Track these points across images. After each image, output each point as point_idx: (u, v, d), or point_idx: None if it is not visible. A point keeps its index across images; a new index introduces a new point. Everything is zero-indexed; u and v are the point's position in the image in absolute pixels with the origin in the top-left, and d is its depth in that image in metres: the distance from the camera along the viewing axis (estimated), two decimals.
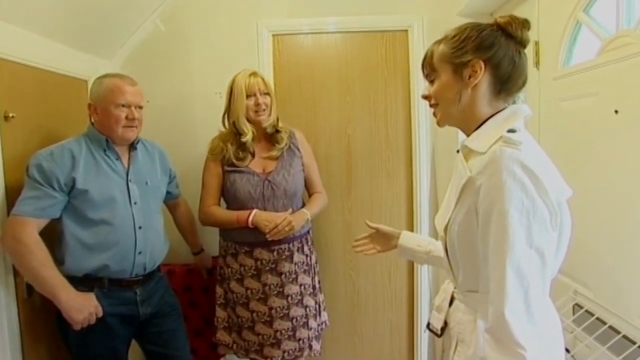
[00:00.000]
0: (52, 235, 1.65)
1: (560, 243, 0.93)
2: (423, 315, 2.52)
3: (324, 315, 2.21)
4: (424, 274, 2.52)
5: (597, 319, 1.39)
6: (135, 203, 1.73)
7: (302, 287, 2.05)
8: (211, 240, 2.27)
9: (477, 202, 0.90)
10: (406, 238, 1.40)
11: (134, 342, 1.90)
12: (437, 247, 1.32)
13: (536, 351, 0.81)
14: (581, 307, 1.48)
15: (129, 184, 1.73)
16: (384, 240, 1.46)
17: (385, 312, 2.59)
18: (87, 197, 1.61)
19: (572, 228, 0.96)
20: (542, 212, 0.84)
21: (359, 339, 2.60)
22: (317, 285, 2.15)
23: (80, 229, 1.63)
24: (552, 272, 0.92)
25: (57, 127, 1.89)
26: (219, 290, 2.11)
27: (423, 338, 2.54)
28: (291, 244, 2.00)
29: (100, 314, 1.65)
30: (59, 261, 1.62)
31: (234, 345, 2.08)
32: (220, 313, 2.10)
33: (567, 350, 1.26)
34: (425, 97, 1.09)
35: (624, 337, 1.27)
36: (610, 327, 1.33)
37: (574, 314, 1.50)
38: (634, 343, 1.23)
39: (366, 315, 2.58)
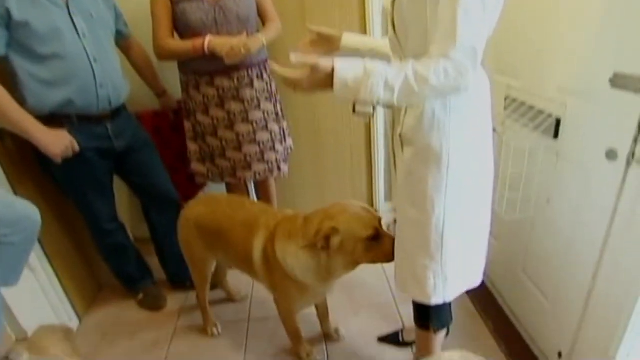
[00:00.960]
0: (8, 80, 1.63)
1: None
2: (379, 139, 2.74)
3: (289, 141, 2.38)
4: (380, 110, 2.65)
5: (521, 103, 1.58)
6: (84, 35, 1.68)
7: (266, 113, 2.15)
8: (172, 81, 2.27)
9: None
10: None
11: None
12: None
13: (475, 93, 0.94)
14: (511, 99, 1.67)
15: (72, 16, 1.65)
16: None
17: (345, 137, 2.78)
18: (30, 30, 1.54)
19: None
20: None
21: (322, 161, 2.85)
22: (279, 112, 2.26)
23: (32, 65, 1.60)
24: (488, 32, 0.99)
25: None
26: (187, 125, 2.20)
27: (380, 157, 2.80)
28: (250, 71, 2.04)
29: (77, 149, 1.73)
30: (20, 102, 1.63)
31: (209, 174, 2.26)
32: (192, 146, 2.23)
33: (494, 130, 1.45)
34: None
35: (539, 111, 1.48)
36: (530, 106, 1.52)
37: (505, 107, 1.69)
38: (545, 112, 1.44)
39: (327, 140, 2.78)
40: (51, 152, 1.65)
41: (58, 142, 1.65)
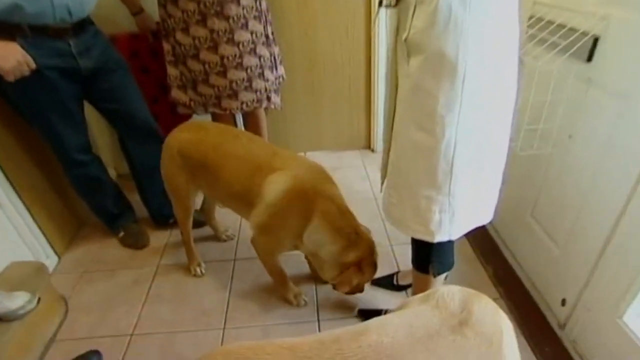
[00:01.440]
0: None
1: None
2: (380, 70, 2.48)
3: (281, 69, 2.13)
4: (382, 27, 2.37)
5: (549, 21, 1.34)
6: None
7: (254, 35, 1.89)
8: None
9: None
10: None
11: None
12: None
13: None
14: (537, 17, 1.41)
15: None
16: None
17: (344, 68, 2.53)
18: None
19: None
20: None
21: (319, 95, 2.61)
22: (270, 35, 2.00)
23: None
24: None
25: None
26: (166, 46, 1.94)
27: (381, 92, 2.56)
28: None
29: (33, 65, 1.50)
30: None
31: (192, 103, 2.03)
32: (172, 71, 1.98)
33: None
34: None
35: (571, 29, 1.24)
36: (560, 24, 1.28)
37: (528, 26, 1.44)
38: (579, 30, 1.21)
39: (323, 71, 2.52)
40: (1, 68, 1.41)
41: (8, 56, 1.41)
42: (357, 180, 2.54)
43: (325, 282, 1.81)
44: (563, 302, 1.45)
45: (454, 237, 1.14)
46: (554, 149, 1.38)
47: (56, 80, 1.60)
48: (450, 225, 1.11)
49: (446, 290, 0.81)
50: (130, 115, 1.88)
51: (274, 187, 1.39)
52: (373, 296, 1.73)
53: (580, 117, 1.27)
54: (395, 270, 1.82)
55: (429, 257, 1.26)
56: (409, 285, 1.72)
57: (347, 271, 1.42)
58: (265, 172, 1.41)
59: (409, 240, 1.30)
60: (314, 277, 1.83)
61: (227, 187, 1.48)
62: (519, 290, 1.67)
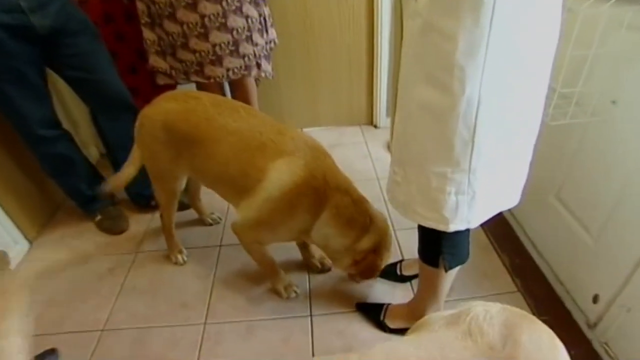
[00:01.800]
0: None
1: None
2: (384, 36, 2.22)
3: (272, 33, 1.88)
4: None
5: None
6: None
7: None
8: None
9: None
10: None
11: None
12: None
13: None
14: None
15: None
16: None
17: (343, 34, 2.26)
18: None
19: None
20: None
21: (315, 64, 2.35)
22: None
23: None
24: None
25: None
26: (140, 6, 1.69)
27: (384, 62, 2.30)
28: None
29: None
30: None
31: (172, 71, 1.80)
32: (148, 34, 1.74)
33: None
34: None
35: None
36: None
37: None
38: None
39: (320, 38, 2.26)
40: None
41: None
42: (358, 158, 2.30)
43: (320, 272, 1.61)
44: (595, 299, 1.23)
45: (473, 225, 0.92)
46: (591, 118, 1.14)
47: (5, 40, 1.37)
48: (469, 210, 0.88)
49: (482, 310, 0.59)
50: (100, 86, 1.64)
51: (280, 176, 1.16)
52: (373, 288, 1.52)
53: (629, 78, 1.03)
54: (399, 258, 1.61)
55: (439, 248, 1.04)
56: (415, 276, 1.51)
57: (366, 260, 1.27)
58: (270, 155, 1.18)
59: (415, 225, 1.08)
60: (307, 265, 1.62)
61: (221, 168, 1.25)
62: (539, 284, 1.46)
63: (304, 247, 1.59)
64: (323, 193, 1.18)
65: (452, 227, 0.91)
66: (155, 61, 1.78)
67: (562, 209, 1.36)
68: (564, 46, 1.01)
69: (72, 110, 2.21)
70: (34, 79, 1.51)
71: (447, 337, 0.56)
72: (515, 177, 0.93)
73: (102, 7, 1.92)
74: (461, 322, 0.59)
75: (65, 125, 2.09)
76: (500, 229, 1.67)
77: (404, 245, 1.68)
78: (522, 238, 1.61)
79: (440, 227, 0.92)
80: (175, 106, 1.31)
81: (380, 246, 1.27)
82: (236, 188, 1.26)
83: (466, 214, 0.89)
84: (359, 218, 1.23)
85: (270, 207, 1.19)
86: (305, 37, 2.25)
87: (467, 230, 1.01)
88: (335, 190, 1.20)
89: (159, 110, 1.33)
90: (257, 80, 2.01)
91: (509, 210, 1.68)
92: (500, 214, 1.70)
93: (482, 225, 1.60)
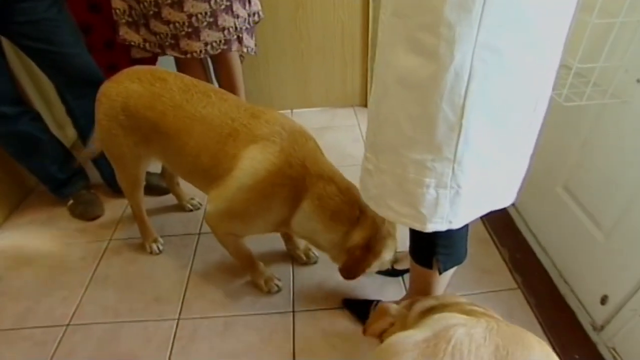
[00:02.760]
0: None
1: None
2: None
3: (256, 4, 1.70)
4: None
5: None
6: None
7: None
8: None
9: None
10: None
11: None
12: None
13: None
14: None
15: None
16: None
17: (336, 9, 2.08)
18: None
19: None
20: None
21: (307, 41, 2.17)
22: None
23: None
24: None
25: None
26: None
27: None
28: None
29: None
30: None
31: (146, 44, 1.62)
32: (117, 3, 1.55)
33: None
34: None
35: None
36: None
37: None
38: None
39: (312, 13, 2.08)
40: None
41: None
42: (349, 142, 2.15)
43: (304, 263, 1.47)
44: (603, 300, 1.10)
45: (455, 226, 0.77)
46: (610, 100, 0.98)
47: None
48: (452, 207, 0.73)
49: (464, 334, 0.46)
50: (63, 59, 1.47)
51: (252, 164, 1.03)
52: (361, 283, 1.38)
53: None
54: None
55: (433, 248, 0.90)
56: (407, 271, 1.37)
57: (353, 256, 1.11)
58: (242, 142, 1.05)
59: None
60: (291, 256, 1.49)
61: (192, 160, 1.11)
62: (541, 281, 1.32)
63: (287, 238, 1.45)
64: (302, 181, 1.04)
65: (430, 227, 0.76)
66: (126, 33, 1.60)
67: (570, 200, 1.22)
68: (584, 13, 0.85)
69: (45, 88, 2.03)
70: None
71: None
72: (511, 173, 0.78)
73: None
74: (438, 350, 0.45)
75: (38, 104, 1.94)
76: (500, 221, 1.53)
77: (399, 236, 1.54)
78: (524, 231, 1.47)
79: (416, 226, 0.77)
80: (138, 88, 1.15)
81: (373, 241, 1.11)
82: (209, 179, 1.11)
83: (447, 211, 0.74)
84: (347, 209, 1.09)
85: (243, 197, 1.05)
86: (296, 11, 2.07)
87: (466, 226, 0.87)
88: (317, 178, 1.05)
89: (120, 90, 1.17)
90: (241, 57, 1.84)
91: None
92: None
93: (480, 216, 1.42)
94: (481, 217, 1.57)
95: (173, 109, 1.11)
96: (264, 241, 1.47)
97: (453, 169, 0.69)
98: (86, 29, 1.64)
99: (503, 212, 1.55)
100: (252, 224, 1.13)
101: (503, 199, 0.81)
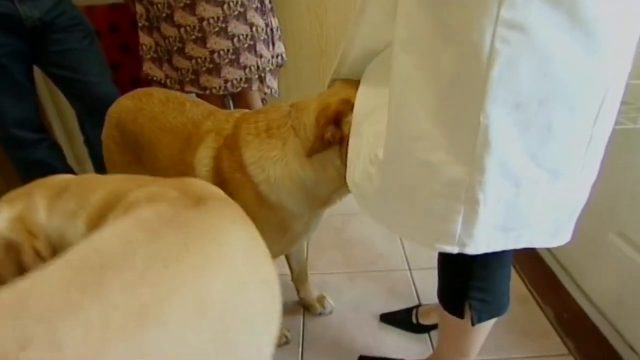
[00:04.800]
0: None
1: None
2: None
3: (280, 47, 1.69)
4: None
5: None
6: None
7: None
8: None
9: None
10: None
11: None
12: None
13: None
14: None
15: None
16: None
17: None
18: None
19: None
20: None
21: None
22: (266, 2, 1.57)
23: None
24: None
25: None
26: (139, 9, 1.53)
27: None
28: None
29: None
30: None
31: (167, 80, 1.61)
32: (144, 39, 1.57)
33: None
34: None
35: None
36: None
37: None
38: None
39: None
40: None
41: None
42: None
43: (319, 313, 1.29)
44: None
45: (469, 250, 0.60)
46: None
47: None
48: (465, 226, 0.58)
49: None
50: (86, 87, 1.46)
51: (200, 159, 0.90)
52: (382, 339, 1.19)
53: None
54: (415, 303, 1.28)
55: (465, 288, 0.73)
56: (434, 327, 1.17)
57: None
58: (194, 145, 0.92)
59: (434, 264, 0.79)
60: (303, 306, 1.31)
61: (163, 174, 1.01)
62: (598, 345, 1.09)
63: (300, 283, 1.29)
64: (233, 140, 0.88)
65: (438, 247, 0.61)
66: (149, 68, 1.60)
67: (628, 249, 1.02)
68: None
69: (70, 124, 2.04)
70: (16, 74, 1.36)
71: None
72: (559, 200, 0.61)
73: (108, 15, 1.80)
74: None
75: (60, 137, 1.94)
76: (537, 272, 1.33)
77: (421, 288, 1.35)
78: (571, 287, 1.26)
79: (422, 243, 0.62)
80: (129, 104, 1.10)
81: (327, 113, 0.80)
82: None
83: (459, 230, 0.58)
84: (282, 121, 0.85)
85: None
86: (320, 59, 2.06)
87: (507, 267, 0.71)
88: (238, 124, 0.89)
89: (116, 108, 1.13)
90: (263, 100, 1.81)
91: (548, 249, 1.35)
92: (534, 253, 1.38)
93: (515, 268, 1.23)
94: (517, 270, 1.39)
95: (149, 121, 1.03)
96: None
97: (470, 176, 0.55)
98: (116, 67, 1.66)
99: (540, 263, 1.36)
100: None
101: (547, 234, 0.64)
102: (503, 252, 0.62)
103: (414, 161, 0.58)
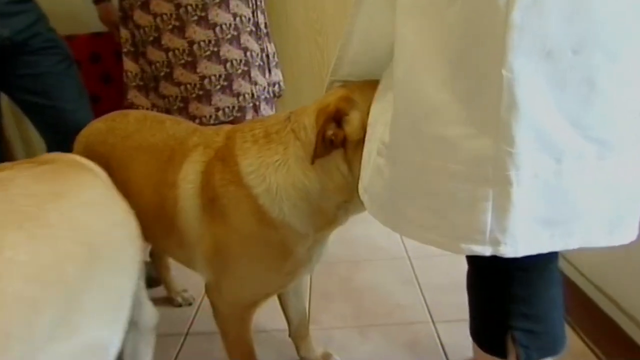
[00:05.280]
0: None
1: None
2: None
3: (277, 74, 1.57)
4: None
5: None
6: None
7: (237, 18, 1.36)
8: None
9: None
10: None
11: None
12: None
13: None
14: None
15: None
16: None
17: None
18: None
19: None
20: None
21: None
22: (262, 26, 1.47)
23: None
24: None
25: None
26: (124, 34, 1.42)
27: None
28: None
29: None
30: None
31: (154, 109, 1.47)
32: (129, 65, 1.44)
33: None
34: None
35: None
36: None
37: None
38: None
39: None
40: None
41: None
42: (380, 233, 1.83)
43: None
44: None
45: (507, 250, 0.46)
46: None
47: None
48: (497, 217, 0.45)
49: None
50: (58, 114, 1.29)
51: (185, 175, 0.78)
52: None
53: None
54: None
55: (505, 315, 0.58)
56: None
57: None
58: (177, 162, 0.80)
59: (463, 316, 0.61)
60: None
61: (138, 199, 0.82)
62: None
63: (299, 337, 1.07)
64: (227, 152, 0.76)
65: (465, 248, 0.47)
66: (135, 97, 1.46)
67: None
68: None
69: (37, 154, 1.88)
70: None
71: None
72: (616, 187, 0.47)
73: (90, 44, 1.70)
74: None
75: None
76: (570, 297, 1.12)
77: (447, 342, 1.12)
78: (609, 311, 1.05)
79: (445, 245, 0.49)
80: (101, 126, 0.99)
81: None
82: (164, 227, 0.82)
83: (490, 223, 0.45)
84: (280, 127, 0.74)
85: (204, 216, 0.76)
86: (321, 89, 1.94)
87: (555, 282, 0.57)
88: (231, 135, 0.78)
89: (86, 131, 1.02)
90: None
91: (577, 269, 1.14)
92: (569, 285, 1.17)
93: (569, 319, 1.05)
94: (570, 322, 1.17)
95: (121, 140, 0.92)
96: (269, 346, 1.09)
97: (497, 148, 0.43)
98: (96, 99, 1.53)
99: (570, 284, 1.15)
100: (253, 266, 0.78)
101: (604, 230, 0.49)
102: (548, 263, 0.53)
103: (426, 140, 0.48)
